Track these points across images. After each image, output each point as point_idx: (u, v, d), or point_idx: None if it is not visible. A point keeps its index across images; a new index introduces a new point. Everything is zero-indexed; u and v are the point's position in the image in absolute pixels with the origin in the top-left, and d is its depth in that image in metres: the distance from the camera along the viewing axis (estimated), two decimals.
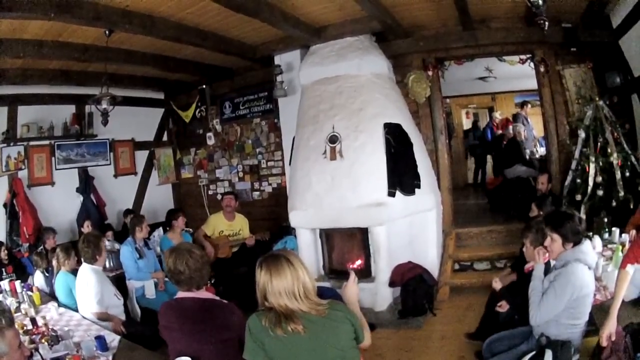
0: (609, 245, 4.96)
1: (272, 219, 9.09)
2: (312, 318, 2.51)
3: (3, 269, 6.61)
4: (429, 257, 7.03)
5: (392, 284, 6.55)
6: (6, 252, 6.90)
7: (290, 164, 7.71)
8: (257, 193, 9.63)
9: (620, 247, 4.54)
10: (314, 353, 2.51)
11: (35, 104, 8.28)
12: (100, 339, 3.77)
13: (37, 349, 3.70)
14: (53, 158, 8.59)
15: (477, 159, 12.85)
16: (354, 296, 3.02)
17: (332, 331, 2.55)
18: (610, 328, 3.10)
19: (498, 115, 13.28)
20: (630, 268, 3.34)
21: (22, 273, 6.72)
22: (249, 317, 2.62)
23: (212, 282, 6.78)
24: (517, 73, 10.10)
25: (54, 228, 7.56)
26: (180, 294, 3.25)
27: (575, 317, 3.34)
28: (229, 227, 7.76)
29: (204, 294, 3.25)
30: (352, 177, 6.64)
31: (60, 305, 5.06)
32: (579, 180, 6.39)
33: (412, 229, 6.97)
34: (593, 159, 6.20)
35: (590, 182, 6.17)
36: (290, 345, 2.48)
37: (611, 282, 3.82)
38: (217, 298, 3.37)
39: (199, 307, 3.16)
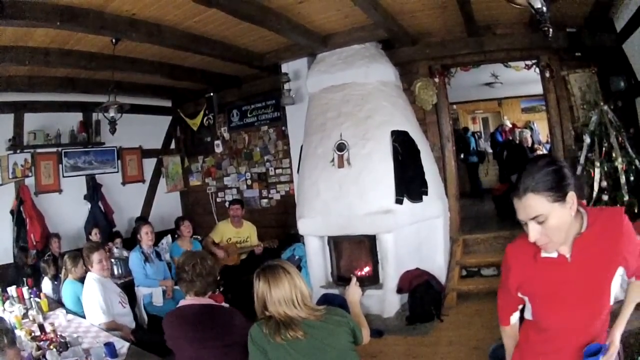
0: None
1: (280, 226, 9.11)
2: (311, 323, 2.60)
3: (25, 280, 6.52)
4: (437, 264, 7.02)
5: (399, 290, 6.55)
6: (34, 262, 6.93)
7: (298, 172, 7.72)
8: (266, 201, 9.62)
9: None
10: (314, 356, 2.58)
11: (41, 111, 8.34)
12: (109, 346, 3.77)
13: (44, 356, 3.73)
14: (60, 165, 8.64)
15: (469, 168, 12.47)
16: (356, 296, 3.25)
17: (330, 334, 2.64)
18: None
19: (508, 123, 13.24)
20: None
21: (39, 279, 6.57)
22: (252, 327, 2.71)
23: (221, 289, 6.80)
24: (523, 78, 10.14)
25: (59, 234, 7.62)
26: (181, 302, 3.34)
27: None
28: (236, 234, 7.78)
29: (204, 300, 3.32)
30: (359, 184, 6.65)
31: (68, 312, 5.06)
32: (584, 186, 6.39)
33: (420, 235, 6.95)
34: (598, 164, 6.19)
35: (596, 187, 6.15)
36: (291, 349, 2.55)
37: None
38: (217, 303, 3.43)
39: (199, 313, 3.24)
